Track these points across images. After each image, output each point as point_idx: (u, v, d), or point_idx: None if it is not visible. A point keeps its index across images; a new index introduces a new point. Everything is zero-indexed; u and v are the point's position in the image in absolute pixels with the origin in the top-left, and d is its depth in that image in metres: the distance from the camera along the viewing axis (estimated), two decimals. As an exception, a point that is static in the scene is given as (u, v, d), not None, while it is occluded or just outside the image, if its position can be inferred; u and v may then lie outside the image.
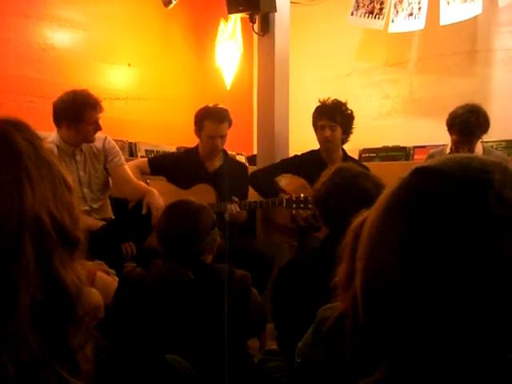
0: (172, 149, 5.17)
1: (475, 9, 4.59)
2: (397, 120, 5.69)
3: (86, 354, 0.81)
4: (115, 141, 4.06)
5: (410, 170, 0.79)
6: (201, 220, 2.47)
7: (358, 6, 5.19)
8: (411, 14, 4.98)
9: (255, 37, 5.08)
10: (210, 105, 4.13)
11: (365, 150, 5.51)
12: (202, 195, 3.60)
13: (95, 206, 3.84)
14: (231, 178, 3.93)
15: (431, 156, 4.07)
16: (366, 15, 5.18)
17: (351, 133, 4.16)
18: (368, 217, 0.84)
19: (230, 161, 4.33)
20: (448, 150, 4.09)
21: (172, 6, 4.95)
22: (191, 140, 4.36)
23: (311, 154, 4.30)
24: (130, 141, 5.15)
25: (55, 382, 0.74)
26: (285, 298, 2.38)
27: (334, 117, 4.09)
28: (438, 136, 4.49)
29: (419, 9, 4.92)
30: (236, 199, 3.93)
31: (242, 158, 5.70)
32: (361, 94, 5.76)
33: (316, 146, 4.28)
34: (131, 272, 2.56)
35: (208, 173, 4.13)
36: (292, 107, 4.85)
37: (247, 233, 4.20)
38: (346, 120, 4.13)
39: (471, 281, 0.70)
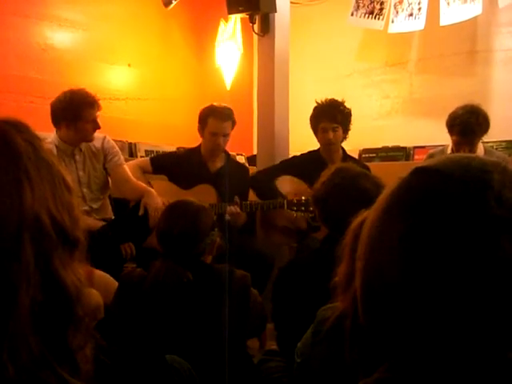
0: (172, 149, 5.17)
1: (475, 9, 4.59)
2: (397, 120, 5.69)
3: (85, 354, 0.81)
4: (115, 141, 4.06)
5: (410, 170, 0.79)
6: (200, 220, 2.47)
7: (358, 7, 5.19)
8: (411, 15, 4.98)
9: (255, 37, 5.08)
10: (216, 103, 4.14)
11: (365, 150, 5.52)
12: (203, 195, 3.60)
13: (95, 206, 3.84)
14: (232, 179, 3.93)
15: (431, 156, 4.07)
16: (366, 15, 5.18)
17: (349, 130, 4.16)
18: (368, 217, 0.84)
19: (231, 162, 4.33)
20: (449, 151, 4.08)
21: (172, 6, 4.95)
22: (191, 140, 4.36)
23: (311, 154, 4.29)
24: (129, 141, 5.15)
25: (55, 383, 0.74)
26: (285, 298, 2.38)
27: (335, 118, 4.08)
28: (437, 136, 4.49)
29: (419, 9, 4.92)
30: (237, 200, 3.93)
31: (241, 159, 5.70)
32: (361, 94, 5.76)
33: (316, 145, 4.28)
34: (131, 272, 2.56)
35: (210, 173, 4.12)
36: (292, 107, 4.85)
37: (247, 233, 4.20)
38: (345, 119, 4.12)
39: (470, 281, 0.70)
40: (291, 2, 4.99)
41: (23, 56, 4.76)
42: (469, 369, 0.72)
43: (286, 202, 3.93)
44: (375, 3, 5.14)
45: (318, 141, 4.23)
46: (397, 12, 5.06)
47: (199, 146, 4.21)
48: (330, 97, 4.19)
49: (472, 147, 3.91)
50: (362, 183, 2.28)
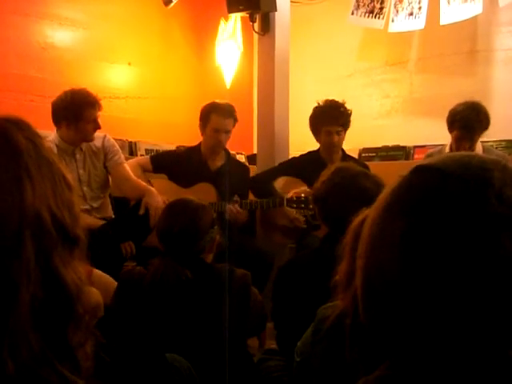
0: (172, 148, 5.16)
1: (475, 8, 4.59)
2: (397, 120, 5.69)
3: (86, 351, 0.81)
4: (115, 140, 4.06)
5: (411, 169, 0.80)
6: (200, 218, 2.47)
7: (359, 6, 5.19)
8: (411, 14, 4.98)
9: (255, 36, 5.08)
10: (218, 100, 4.14)
11: (365, 150, 5.51)
12: (203, 194, 3.60)
13: (95, 204, 3.83)
14: (233, 177, 3.93)
15: (429, 156, 4.07)
16: (367, 15, 5.17)
17: (349, 128, 4.15)
18: (368, 215, 0.84)
19: (231, 160, 4.32)
20: (447, 149, 4.08)
21: (172, 5, 4.95)
22: (191, 139, 4.36)
23: (310, 154, 4.28)
24: (129, 140, 5.14)
25: (55, 380, 0.74)
26: (285, 297, 2.38)
27: (339, 121, 4.07)
28: (437, 136, 4.49)
29: (419, 8, 4.92)
30: (237, 199, 3.93)
31: (241, 158, 5.70)
32: (361, 93, 5.76)
33: (316, 145, 4.27)
34: (131, 271, 2.56)
35: (210, 171, 4.12)
36: (292, 106, 4.85)
37: (247, 232, 4.19)
38: (347, 120, 4.11)
39: (471, 278, 0.70)
40: (291, 1, 4.99)
41: (23, 55, 4.76)
42: (469, 366, 0.72)
43: (285, 199, 3.93)
44: (375, 2, 5.14)
45: (319, 142, 4.22)
46: (397, 11, 5.06)
47: (199, 145, 4.21)
48: (330, 96, 4.18)
49: (472, 143, 3.90)
50: (361, 182, 2.28)
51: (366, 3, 5.16)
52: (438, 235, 0.72)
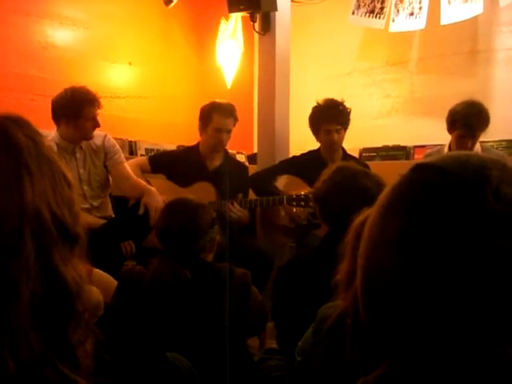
0: (172, 147, 5.16)
1: (476, 8, 4.59)
2: (397, 119, 5.69)
3: (86, 350, 0.81)
4: (115, 139, 4.06)
5: (410, 167, 0.80)
6: (199, 217, 2.47)
7: (359, 6, 5.19)
8: (412, 14, 4.98)
9: (256, 36, 5.08)
10: (218, 100, 4.13)
11: (365, 150, 5.51)
12: (202, 193, 3.60)
13: (95, 203, 3.84)
14: (231, 177, 3.92)
15: (428, 156, 4.06)
16: (367, 14, 5.17)
17: (348, 126, 4.15)
18: (370, 215, 0.84)
19: (230, 160, 4.32)
20: (446, 150, 4.08)
21: (173, 4, 4.95)
22: (192, 138, 4.36)
23: (311, 154, 4.28)
24: (130, 139, 5.14)
25: (55, 378, 0.74)
26: (285, 296, 2.38)
27: (338, 119, 4.07)
28: (438, 136, 4.49)
29: (420, 8, 4.92)
30: (240, 196, 3.93)
31: (242, 157, 5.70)
32: (361, 93, 5.76)
33: (316, 145, 4.27)
34: (131, 270, 2.55)
35: (208, 171, 4.12)
36: (292, 106, 4.85)
37: (247, 231, 4.19)
38: (346, 119, 4.11)
39: (469, 276, 0.70)
40: (292, 1, 5.00)
41: (24, 54, 4.76)
42: (469, 365, 0.72)
43: (285, 197, 3.92)
44: (376, 2, 5.14)
45: (319, 141, 4.22)
46: (397, 11, 5.06)
47: (197, 145, 4.21)
48: (330, 96, 4.18)
49: (474, 141, 3.90)
50: (362, 181, 2.28)
51: (367, 3, 5.16)
52: (437, 233, 0.72)
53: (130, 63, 5.53)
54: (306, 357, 1.62)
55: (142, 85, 5.63)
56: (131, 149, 5.13)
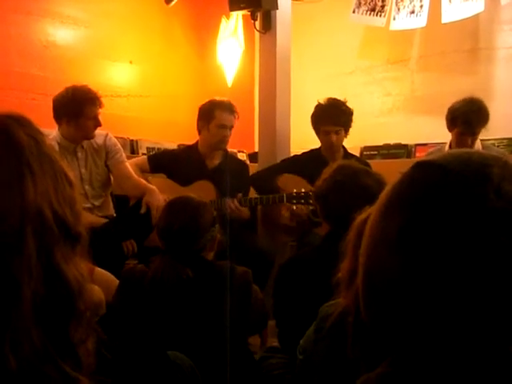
0: (173, 146, 5.15)
1: (477, 6, 4.58)
2: (398, 118, 5.69)
3: (87, 348, 0.81)
4: (116, 138, 4.06)
5: (411, 165, 0.80)
6: (200, 216, 2.47)
7: (360, 4, 5.19)
8: (413, 12, 4.97)
9: (257, 34, 5.07)
10: (217, 98, 4.13)
11: (366, 148, 5.51)
12: (202, 192, 3.59)
13: (96, 203, 3.84)
14: (231, 175, 3.92)
15: (430, 154, 4.06)
16: (368, 13, 5.17)
17: (350, 127, 4.14)
18: (371, 213, 0.84)
19: (229, 158, 4.31)
20: (447, 148, 4.08)
21: (173, 3, 4.95)
22: (193, 137, 4.36)
23: (312, 152, 4.28)
24: (131, 138, 5.14)
25: (57, 376, 0.74)
26: (286, 294, 2.39)
27: (337, 121, 4.05)
28: (439, 134, 4.49)
29: (421, 6, 4.92)
30: (240, 195, 3.93)
31: (243, 156, 5.70)
32: (362, 91, 5.75)
33: (317, 143, 4.27)
34: (133, 269, 2.56)
35: (208, 170, 4.12)
36: (293, 105, 4.84)
37: (248, 230, 4.19)
38: (347, 120, 4.10)
39: (470, 274, 0.70)
40: (293, 0, 4.99)
41: (25, 53, 4.76)
42: (470, 362, 0.72)
43: (285, 195, 3.92)
44: (377, 0, 5.13)
45: (320, 141, 4.22)
46: (398, 9, 5.05)
47: (196, 143, 4.20)
48: (331, 94, 4.17)
49: (474, 139, 3.91)
50: (363, 180, 2.29)
51: (368, 1, 5.16)
52: (437, 231, 0.72)
53: (130, 62, 5.53)
54: (307, 355, 1.62)
55: (143, 83, 5.63)
56: (132, 148, 5.13)
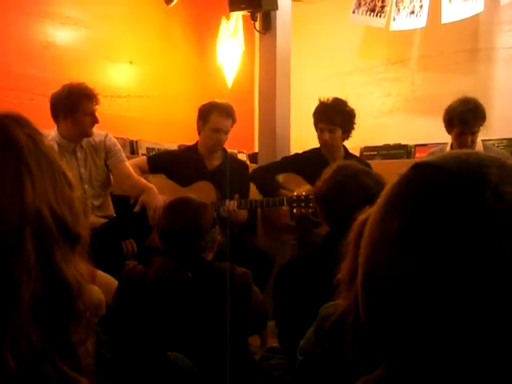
0: (173, 146, 5.16)
1: (477, 7, 4.58)
2: (398, 118, 5.69)
3: (87, 349, 0.81)
4: (116, 138, 4.06)
5: (410, 166, 0.80)
6: (202, 217, 2.47)
7: (360, 4, 5.19)
8: (413, 12, 4.98)
9: (257, 35, 5.08)
10: (217, 100, 4.13)
11: (366, 148, 5.51)
12: (202, 193, 3.59)
13: (96, 203, 3.83)
14: (231, 176, 3.92)
15: (431, 154, 4.06)
16: (368, 13, 5.17)
17: (353, 129, 4.14)
18: (371, 214, 0.84)
19: (230, 159, 4.32)
20: (448, 148, 4.08)
21: (173, 3, 4.95)
22: (192, 138, 4.36)
23: (313, 151, 4.29)
24: (131, 138, 5.14)
25: (56, 376, 0.74)
26: (286, 295, 2.38)
27: (332, 120, 4.06)
28: (439, 134, 4.48)
29: (421, 7, 4.92)
30: (237, 196, 3.92)
31: (243, 156, 5.70)
32: (362, 91, 5.75)
33: (317, 144, 4.27)
34: (133, 269, 2.55)
35: (208, 171, 4.12)
36: (293, 105, 4.85)
37: (248, 230, 4.19)
38: (346, 120, 4.09)
39: (467, 275, 0.70)
40: (293, 0, 4.99)
41: (24, 53, 4.76)
42: (469, 364, 0.72)
43: (285, 198, 3.92)
44: (377, 1, 5.14)
45: (318, 139, 4.23)
46: (398, 9, 5.06)
47: (196, 144, 4.20)
48: (331, 94, 4.18)
49: (473, 138, 3.91)
50: (363, 180, 2.29)
51: (368, 2, 5.16)
52: (436, 232, 0.72)
53: (130, 62, 5.53)
54: (307, 356, 1.62)
55: (143, 84, 5.63)
56: (132, 148, 5.13)
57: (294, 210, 3.96)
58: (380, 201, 0.81)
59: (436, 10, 4.80)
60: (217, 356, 2.27)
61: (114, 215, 3.94)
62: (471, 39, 5.23)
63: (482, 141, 4.10)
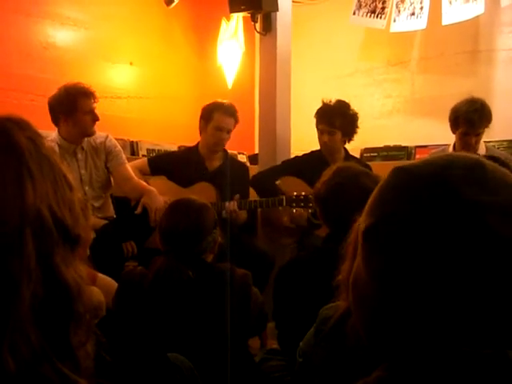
0: (173, 147, 5.17)
1: (477, 9, 4.59)
2: (398, 119, 5.69)
3: (87, 350, 0.81)
4: (117, 139, 4.06)
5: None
6: (204, 218, 2.48)
7: (360, 6, 5.19)
8: (413, 14, 4.98)
9: (257, 36, 5.08)
10: (220, 100, 4.14)
11: (366, 150, 5.51)
12: (202, 194, 3.59)
13: (96, 204, 3.84)
14: (232, 177, 3.92)
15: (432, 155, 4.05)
16: (368, 14, 5.17)
17: (355, 132, 4.13)
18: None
19: (230, 160, 4.32)
20: (450, 149, 4.08)
21: (174, 4, 4.96)
22: (193, 138, 4.36)
23: (313, 154, 4.29)
24: (131, 139, 5.14)
25: (56, 378, 0.74)
26: (286, 296, 2.38)
27: (332, 122, 4.06)
28: (439, 136, 4.49)
29: (421, 8, 4.92)
30: (237, 197, 3.92)
31: (243, 157, 5.70)
32: (363, 93, 5.76)
33: (317, 145, 4.27)
34: (133, 271, 2.56)
35: (208, 172, 4.12)
36: (294, 106, 4.85)
37: (248, 232, 4.19)
38: (347, 123, 4.08)
39: (426, 273, 0.72)
40: (293, 1, 4.99)
41: (25, 54, 4.76)
42: (466, 367, 0.72)
43: (284, 198, 3.92)
44: (377, 2, 5.14)
45: (318, 140, 4.23)
46: (399, 11, 5.06)
47: (197, 145, 4.20)
48: (331, 96, 4.18)
49: (477, 139, 3.91)
50: (363, 182, 2.28)
51: (368, 3, 5.17)
52: (398, 232, 0.75)
53: (131, 63, 5.54)
54: (307, 358, 1.62)
55: (143, 85, 5.63)
56: (133, 149, 5.13)
57: (294, 210, 3.96)
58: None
59: (436, 12, 4.80)
60: (217, 357, 2.27)
61: (115, 216, 3.94)
62: (472, 41, 5.23)
63: (484, 142, 4.09)
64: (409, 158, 5.25)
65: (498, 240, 0.71)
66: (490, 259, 0.71)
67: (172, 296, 2.35)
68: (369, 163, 4.17)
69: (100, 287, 2.47)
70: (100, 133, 3.82)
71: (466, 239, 0.71)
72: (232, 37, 5.60)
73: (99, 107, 3.79)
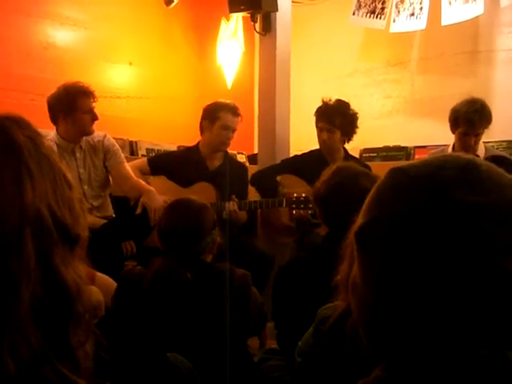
0: (173, 147, 5.17)
1: (477, 9, 4.59)
2: (398, 120, 5.69)
3: (86, 351, 0.81)
4: (116, 139, 4.07)
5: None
6: (204, 218, 2.48)
7: (360, 6, 5.19)
8: (413, 14, 4.98)
9: (257, 36, 5.08)
10: (222, 100, 4.14)
11: (366, 150, 5.51)
12: (202, 194, 3.59)
13: (95, 203, 3.84)
14: (231, 177, 3.92)
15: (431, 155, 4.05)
16: (368, 15, 5.17)
17: (355, 133, 4.14)
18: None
19: (230, 160, 4.32)
20: (450, 150, 4.08)
21: (173, 4, 4.96)
22: (192, 138, 4.36)
23: (313, 153, 4.29)
24: (130, 139, 5.14)
25: (55, 379, 0.74)
26: (285, 296, 2.38)
27: (332, 120, 4.07)
28: (438, 136, 4.49)
29: (421, 9, 4.92)
30: (233, 197, 3.92)
31: (242, 157, 5.70)
32: (362, 93, 5.76)
33: (316, 145, 4.28)
34: (132, 270, 2.56)
35: (208, 171, 4.12)
36: (293, 106, 4.85)
37: (247, 232, 4.19)
38: (346, 122, 4.09)
39: (418, 273, 0.73)
40: (293, 1, 4.99)
41: (25, 54, 4.77)
42: (465, 368, 0.72)
43: (284, 199, 3.92)
44: (377, 2, 5.14)
45: (317, 139, 4.23)
46: (398, 11, 5.06)
47: (197, 145, 4.20)
48: (331, 96, 4.18)
49: (477, 139, 3.91)
50: (362, 182, 2.28)
51: (368, 3, 5.17)
52: (391, 231, 0.75)
53: (130, 63, 5.54)
54: (306, 357, 1.62)
55: (143, 85, 5.63)
56: (132, 149, 5.13)
57: (294, 212, 3.97)
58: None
59: (436, 12, 4.80)
60: (216, 357, 2.27)
61: (113, 216, 3.94)
62: (471, 41, 5.23)
63: (484, 142, 4.09)
64: (408, 159, 5.25)
65: (488, 240, 0.71)
66: (480, 259, 0.71)
67: (171, 296, 2.35)
68: (368, 163, 4.17)
69: (99, 286, 2.47)
70: (98, 132, 3.82)
71: (456, 240, 0.71)
72: (232, 37, 5.60)
73: (99, 107, 3.79)
